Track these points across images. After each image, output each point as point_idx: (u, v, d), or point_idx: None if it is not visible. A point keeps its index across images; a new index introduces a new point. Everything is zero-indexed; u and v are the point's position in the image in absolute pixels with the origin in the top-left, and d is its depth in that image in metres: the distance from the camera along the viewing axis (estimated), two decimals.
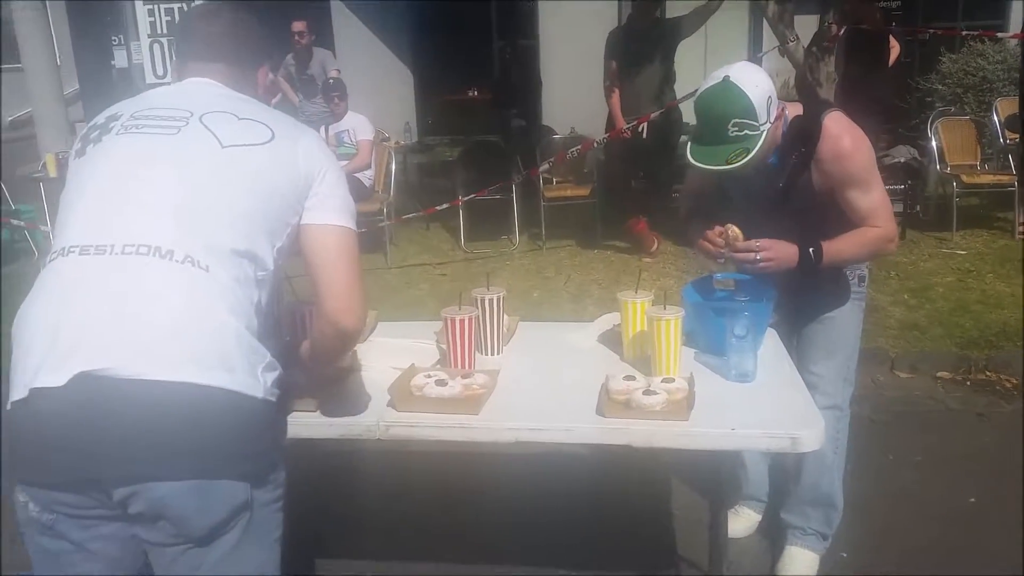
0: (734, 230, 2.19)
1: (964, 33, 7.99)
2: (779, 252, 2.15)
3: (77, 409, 1.31)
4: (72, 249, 1.43)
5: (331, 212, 1.59)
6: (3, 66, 13.71)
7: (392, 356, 2.11)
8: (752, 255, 2.15)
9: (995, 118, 6.66)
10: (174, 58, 1.73)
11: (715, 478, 2.27)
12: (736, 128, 2.01)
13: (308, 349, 1.72)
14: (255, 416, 1.41)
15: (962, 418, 3.70)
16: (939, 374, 4.10)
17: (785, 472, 2.57)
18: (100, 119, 1.60)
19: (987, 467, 3.22)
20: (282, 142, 1.56)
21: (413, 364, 2.02)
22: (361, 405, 1.88)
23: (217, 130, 1.53)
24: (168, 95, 1.63)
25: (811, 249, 2.17)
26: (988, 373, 4.07)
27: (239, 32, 1.71)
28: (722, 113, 2.01)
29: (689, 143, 2.12)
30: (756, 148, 2.02)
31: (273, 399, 1.46)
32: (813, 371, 2.37)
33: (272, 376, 1.47)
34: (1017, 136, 6.31)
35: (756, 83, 2.02)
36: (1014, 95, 6.63)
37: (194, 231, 1.44)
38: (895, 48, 5.65)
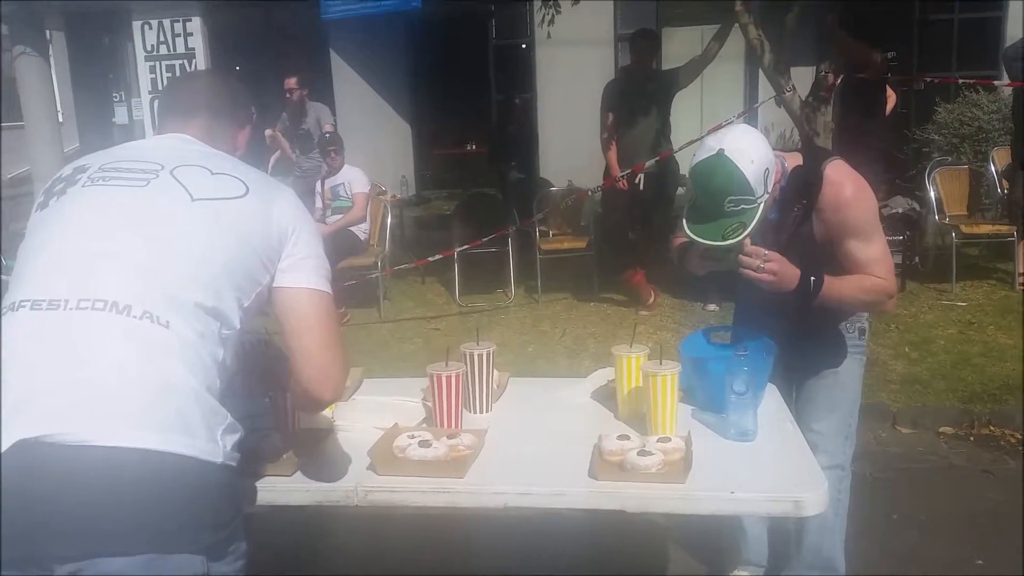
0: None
1: (960, 82, 8.05)
2: (783, 269, 2.06)
3: (17, 478, 1.21)
4: (23, 304, 1.36)
5: (307, 274, 1.53)
6: (5, 124, 13.84)
7: (375, 415, 2.03)
8: (758, 261, 2.06)
9: (992, 168, 6.66)
10: (156, 116, 1.72)
11: (714, 542, 2.17)
12: (732, 204, 1.97)
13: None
14: (214, 483, 1.32)
15: (967, 475, 3.60)
16: (942, 429, 4.01)
17: (785, 535, 2.47)
18: (66, 171, 1.55)
19: (994, 527, 3.11)
20: (256, 198, 1.51)
21: (397, 424, 1.94)
22: (340, 469, 1.79)
23: (188, 183, 1.48)
24: (139, 148, 1.59)
25: (812, 277, 2.10)
26: (992, 428, 3.98)
27: (222, 90, 1.70)
28: (717, 188, 1.97)
29: (686, 211, 2.07)
30: (753, 222, 1.98)
31: (233, 464, 1.37)
32: (814, 428, 2.29)
33: (232, 439, 1.39)
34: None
35: (751, 158, 1.96)
36: (1010, 144, 6.64)
37: (156, 285, 1.37)
38: (892, 98, 5.68)
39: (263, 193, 1.53)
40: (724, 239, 1.99)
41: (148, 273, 1.38)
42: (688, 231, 2.05)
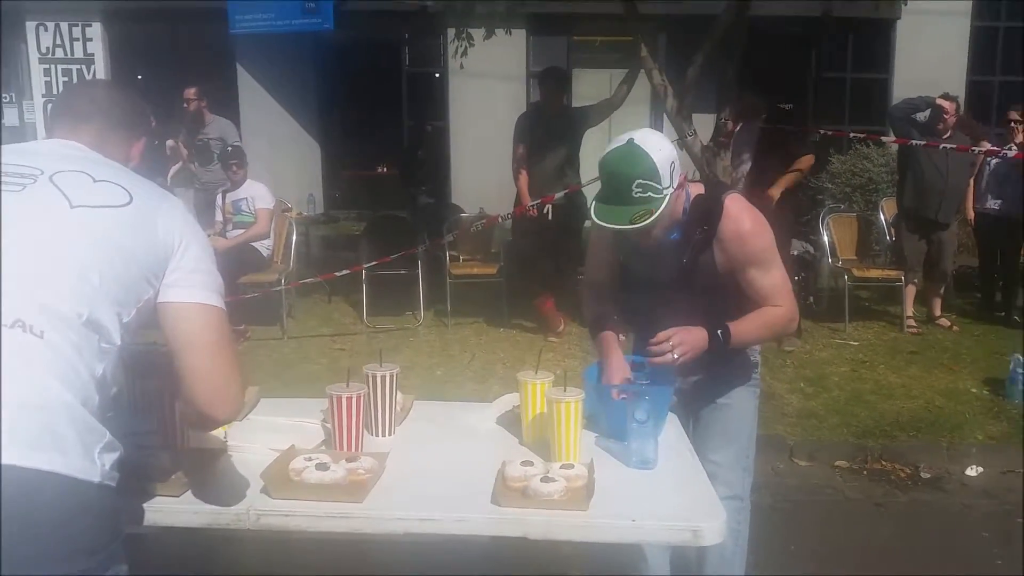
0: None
1: (851, 135, 8.47)
2: (691, 339, 2.12)
3: None
4: None
5: (196, 289, 1.46)
6: None
7: (271, 436, 1.93)
8: (669, 355, 2.10)
9: (881, 216, 7.00)
10: (50, 114, 1.62)
11: (617, 571, 2.16)
12: (640, 189, 2.00)
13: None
14: (89, 504, 1.23)
15: (861, 507, 3.71)
16: (837, 463, 4.13)
17: (687, 565, 2.48)
18: None
19: (887, 558, 3.21)
20: (140, 208, 1.43)
21: (293, 445, 1.85)
22: (232, 491, 1.69)
23: (67, 190, 1.39)
24: (19, 152, 1.49)
25: (719, 331, 2.15)
26: (884, 463, 4.12)
27: (120, 99, 1.64)
28: (626, 173, 2.01)
29: (593, 203, 2.10)
30: (659, 209, 2.01)
31: (112, 483, 1.28)
32: (712, 459, 2.31)
33: (112, 457, 1.29)
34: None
35: (659, 147, 2.03)
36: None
37: (29, 293, 1.28)
38: (809, 158, 5.96)
39: (148, 202, 1.46)
40: (631, 223, 2.01)
41: (21, 281, 1.29)
42: (595, 218, 2.07)
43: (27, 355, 1.24)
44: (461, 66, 7.78)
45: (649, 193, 2.01)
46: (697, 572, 2.43)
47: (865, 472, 4.07)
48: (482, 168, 9.72)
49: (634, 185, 2.00)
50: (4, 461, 1.15)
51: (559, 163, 5.99)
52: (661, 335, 2.12)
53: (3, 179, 1.39)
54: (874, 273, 6.61)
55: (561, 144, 6.00)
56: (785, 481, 3.95)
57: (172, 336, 1.44)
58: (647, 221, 2.01)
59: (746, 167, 5.79)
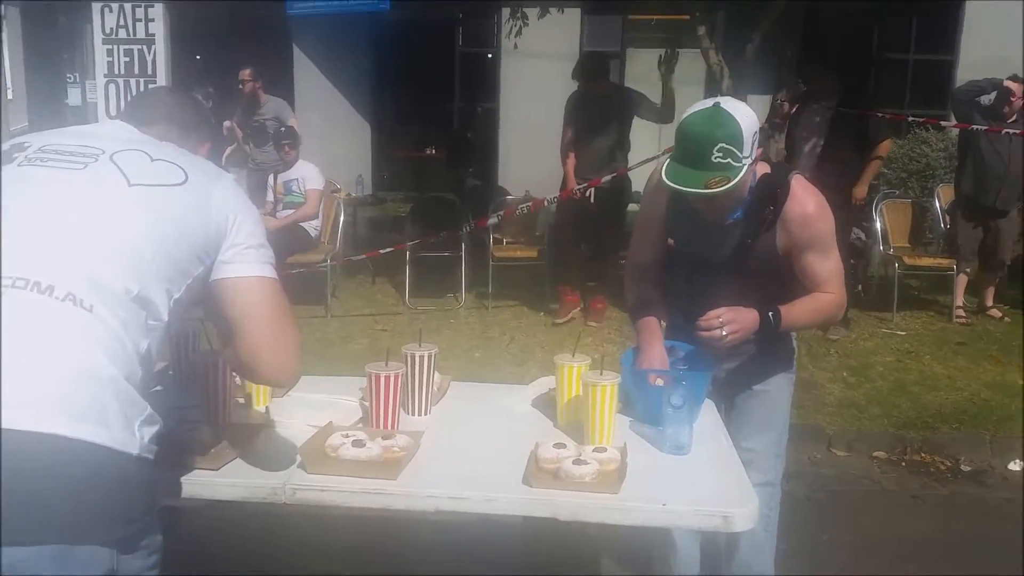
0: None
1: (910, 119, 8.26)
2: (741, 319, 2.09)
3: None
4: None
5: (252, 264, 1.51)
6: None
7: (310, 412, 1.99)
8: (717, 332, 2.07)
9: (937, 203, 6.84)
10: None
11: (645, 554, 2.18)
12: (721, 154, 1.94)
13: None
14: (127, 475, 1.27)
15: (897, 499, 3.67)
16: (875, 453, 4.09)
17: (716, 551, 2.49)
18: (4, 147, 1.50)
19: (922, 551, 3.17)
20: (195, 186, 1.48)
21: (331, 422, 1.91)
22: (269, 465, 1.75)
23: (126, 168, 1.44)
24: (81, 133, 1.55)
25: (770, 313, 2.13)
26: (923, 455, 4.07)
27: (185, 103, 1.71)
28: (709, 135, 1.95)
29: (667, 162, 2.05)
30: (737, 178, 1.96)
31: (150, 456, 1.33)
32: (746, 446, 2.30)
33: (151, 431, 1.34)
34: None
35: (745, 114, 1.99)
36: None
37: (82, 268, 1.33)
38: (889, 142, 5.79)
39: (203, 181, 1.50)
40: (706, 188, 1.96)
41: (76, 255, 1.34)
42: (667, 179, 2.01)
43: (77, 328, 1.29)
44: (515, 46, 7.77)
45: (729, 160, 1.95)
46: (727, 558, 2.44)
47: (904, 464, 4.02)
48: (530, 150, 9.69)
49: (715, 149, 1.94)
50: (51, 431, 1.20)
51: (609, 146, 5.93)
52: (712, 313, 2.09)
53: (66, 158, 1.45)
54: (926, 261, 6.47)
55: (610, 126, 5.93)
56: (821, 471, 3.92)
57: (231, 310, 1.49)
58: (724, 188, 1.95)
59: (816, 151, 5.63)
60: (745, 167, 1.98)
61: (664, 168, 2.05)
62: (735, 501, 1.68)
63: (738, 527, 1.66)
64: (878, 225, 6.61)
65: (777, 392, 2.38)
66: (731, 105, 2.00)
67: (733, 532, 1.81)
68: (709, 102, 2.01)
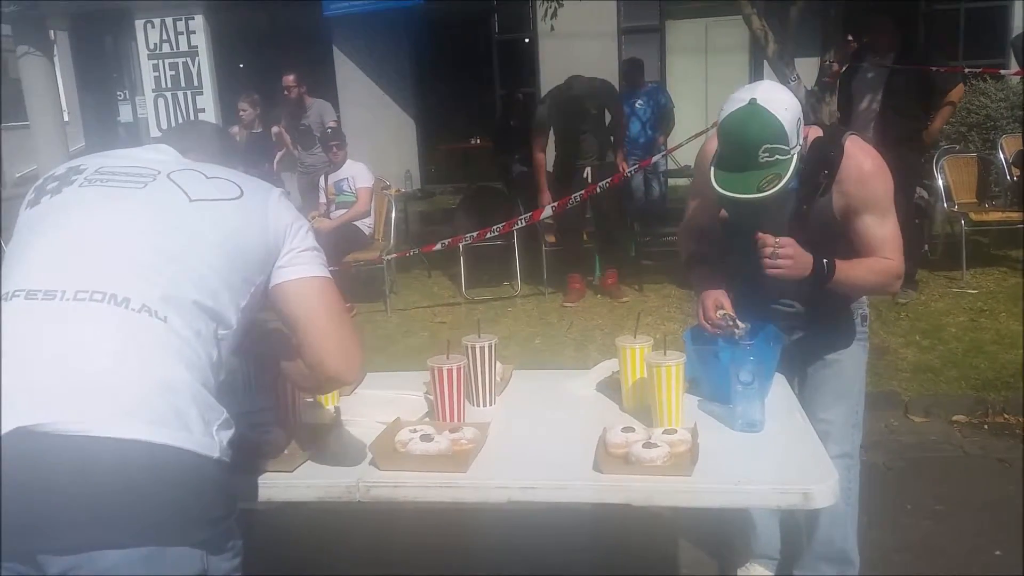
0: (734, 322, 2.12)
1: (967, 71, 7.97)
2: (797, 255, 2.02)
3: (10, 468, 1.19)
4: (17, 294, 1.34)
5: (307, 266, 1.55)
6: (10, 124, 13.87)
7: (378, 409, 2.00)
8: (771, 248, 2.01)
9: (1001, 155, 6.60)
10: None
11: (723, 536, 2.14)
12: (767, 154, 1.90)
13: (290, 372, 1.66)
14: (210, 478, 1.31)
15: (982, 464, 3.55)
16: (955, 418, 3.96)
17: (797, 526, 2.44)
18: (59, 170, 1.55)
19: (1013, 517, 3.06)
20: (251, 199, 1.53)
21: (399, 418, 1.91)
22: (342, 464, 1.76)
23: (185, 185, 1.49)
24: (135, 155, 1.60)
25: (825, 261, 2.06)
26: (1006, 416, 3.93)
27: (218, 136, 1.78)
28: (753, 139, 1.90)
29: (712, 169, 2.01)
30: (788, 173, 1.91)
31: (227, 459, 1.36)
32: (822, 418, 2.25)
33: (227, 435, 1.37)
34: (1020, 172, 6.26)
35: (785, 105, 1.92)
36: (1018, 132, 6.58)
37: (154, 281, 1.37)
38: (960, 86, 5.59)
39: (257, 195, 1.56)
40: (760, 191, 1.92)
41: (147, 269, 1.38)
42: (718, 187, 1.97)
43: (155, 338, 1.33)
44: (551, 28, 7.71)
45: (776, 156, 1.90)
46: (807, 533, 2.39)
47: (986, 427, 3.89)
48: None
49: (761, 151, 1.90)
50: (137, 436, 1.23)
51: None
52: (770, 235, 2.01)
53: (125, 178, 1.49)
54: (993, 216, 6.24)
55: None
56: (900, 439, 3.81)
57: (292, 311, 1.53)
58: (776, 188, 1.90)
59: (873, 107, 5.45)
60: (795, 157, 1.93)
61: (712, 175, 2.00)
62: (813, 477, 1.64)
63: (818, 503, 1.61)
64: (940, 182, 6.40)
65: (850, 360, 2.31)
66: (768, 96, 1.92)
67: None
68: (745, 97, 1.92)
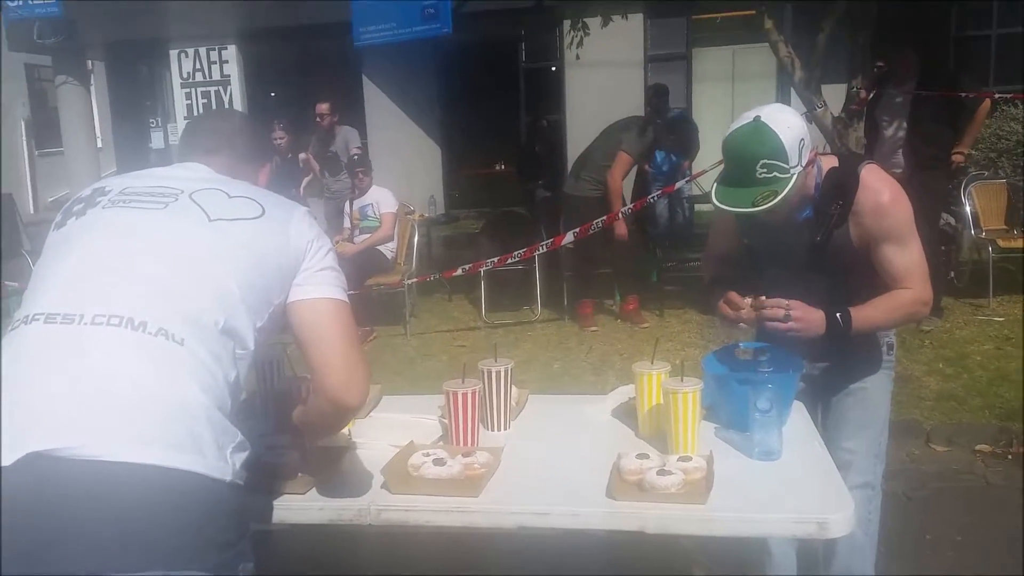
0: (762, 298, 2.11)
1: (997, 96, 7.91)
2: (808, 316, 2.05)
3: (25, 492, 1.21)
4: (37, 317, 1.37)
5: (323, 286, 1.55)
6: (44, 150, 14.19)
7: (392, 432, 2.01)
8: (781, 312, 2.03)
9: None
10: (177, 152, 1.77)
11: (739, 564, 2.12)
12: (765, 170, 1.93)
13: (300, 417, 1.66)
14: (222, 501, 1.32)
15: (1005, 495, 3.49)
16: (978, 447, 3.90)
17: (814, 555, 2.41)
18: (85, 192, 1.58)
19: None
20: (272, 219, 1.54)
21: (412, 441, 1.92)
22: (354, 487, 1.77)
23: (206, 205, 1.50)
24: (159, 175, 1.62)
25: (839, 314, 2.06)
26: None
27: (247, 129, 1.75)
28: (751, 154, 1.94)
29: (715, 185, 2.05)
30: (785, 191, 1.93)
31: (241, 482, 1.37)
32: (845, 447, 2.24)
33: (241, 457, 1.38)
34: None
35: (788, 124, 1.95)
36: None
37: (171, 303, 1.38)
38: (987, 102, 5.57)
39: (279, 214, 1.56)
40: (754, 206, 1.94)
41: (164, 291, 1.40)
42: (716, 201, 2.01)
43: (171, 362, 1.34)
44: (577, 56, 7.76)
45: (775, 173, 1.93)
46: (824, 562, 2.35)
47: (1010, 456, 3.82)
48: None
49: (758, 166, 1.93)
50: (150, 461, 1.25)
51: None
52: (781, 300, 2.04)
53: (147, 199, 1.51)
54: (1021, 243, 6.16)
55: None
56: (921, 468, 3.76)
57: (304, 329, 1.53)
58: (771, 203, 1.93)
59: (899, 134, 5.43)
60: (794, 176, 1.95)
61: (713, 189, 2.04)
62: (830, 506, 1.63)
63: (833, 533, 1.60)
64: (968, 208, 6.34)
65: (874, 390, 2.30)
66: (773, 116, 1.96)
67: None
68: (751, 115, 1.97)
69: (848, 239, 2.10)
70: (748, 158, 1.94)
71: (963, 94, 5.46)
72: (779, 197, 1.93)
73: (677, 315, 6.12)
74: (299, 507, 1.72)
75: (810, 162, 2.01)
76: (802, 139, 1.96)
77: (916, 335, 5.17)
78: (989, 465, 3.77)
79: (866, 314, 2.10)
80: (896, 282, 2.10)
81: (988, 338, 5.24)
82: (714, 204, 2.03)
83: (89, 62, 11.97)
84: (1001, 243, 6.08)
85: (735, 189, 1.98)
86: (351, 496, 1.74)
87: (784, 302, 2.04)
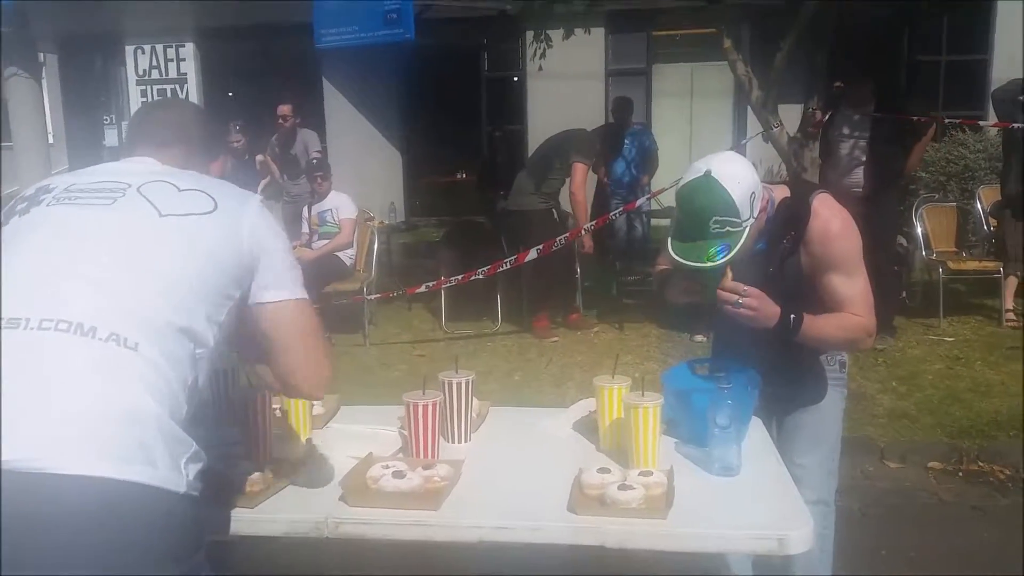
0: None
1: (946, 121, 8.11)
2: (763, 306, 2.04)
3: None
4: None
5: (286, 288, 1.53)
6: None
7: (351, 444, 1.97)
8: (736, 297, 2.03)
9: (979, 205, 6.70)
10: (124, 143, 1.71)
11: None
12: (718, 225, 1.94)
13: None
14: (176, 514, 1.26)
15: (956, 511, 3.56)
16: (930, 464, 3.97)
17: (771, 570, 2.42)
18: (29, 191, 1.51)
19: (986, 565, 3.06)
20: (225, 213, 1.49)
21: (371, 453, 1.88)
22: (311, 499, 1.73)
23: (155, 200, 1.45)
24: (105, 170, 1.56)
25: (792, 315, 2.08)
26: (981, 464, 3.94)
27: (198, 120, 1.71)
28: (703, 209, 1.94)
29: (670, 238, 2.05)
30: (739, 245, 1.95)
31: (196, 493, 1.31)
32: (798, 463, 2.25)
33: (196, 468, 1.33)
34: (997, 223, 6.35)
35: (739, 179, 1.95)
36: (996, 183, 6.69)
37: (122, 305, 1.33)
38: (933, 128, 5.73)
39: (232, 207, 1.51)
40: (708, 260, 1.95)
41: (115, 293, 1.34)
42: (672, 253, 2.01)
43: (121, 369, 1.29)
44: (540, 67, 7.79)
45: (727, 228, 1.94)
46: None
47: (961, 474, 3.90)
48: None
49: (711, 222, 1.93)
50: (99, 474, 1.19)
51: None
52: (739, 284, 2.02)
53: (93, 195, 1.45)
54: (971, 265, 6.34)
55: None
56: (875, 484, 3.82)
57: (269, 332, 1.53)
58: (726, 258, 1.94)
59: (855, 154, 5.52)
60: (747, 229, 1.96)
61: (669, 243, 2.04)
62: (789, 522, 1.63)
63: (793, 549, 1.61)
64: (919, 230, 6.48)
65: (827, 407, 2.31)
66: (723, 170, 1.95)
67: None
68: (702, 169, 1.96)
69: (799, 268, 2.13)
70: (701, 215, 1.95)
71: (916, 118, 5.59)
72: (732, 252, 1.94)
73: (636, 328, 6.15)
74: (254, 519, 1.67)
75: (762, 209, 2.02)
76: (752, 192, 1.97)
77: (870, 353, 5.26)
78: (941, 482, 3.84)
79: (817, 324, 2.11)
80: (842, 310, 2.12)
81: (938, 358, 5.35)
82: (670, 257, 2.02)
83: (41, 55, 11.65)
84: (951, 265, 6.23)
85: (690, 244, 1.98)
86: (308, 509, 1.70)
87: (742, 287, 2.03)
